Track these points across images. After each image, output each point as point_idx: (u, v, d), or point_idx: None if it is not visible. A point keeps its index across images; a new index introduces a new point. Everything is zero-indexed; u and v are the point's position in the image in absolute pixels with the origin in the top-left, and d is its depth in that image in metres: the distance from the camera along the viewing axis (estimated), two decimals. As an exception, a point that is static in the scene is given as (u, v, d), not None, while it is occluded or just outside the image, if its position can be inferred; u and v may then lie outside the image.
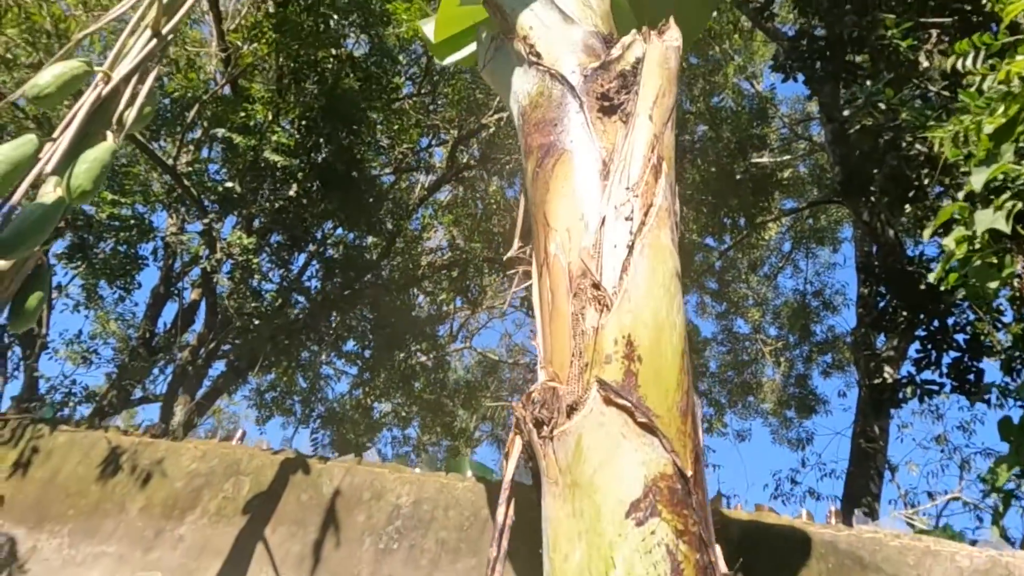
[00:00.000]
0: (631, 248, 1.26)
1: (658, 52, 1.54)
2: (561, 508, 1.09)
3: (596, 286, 1.23)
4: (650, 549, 0.98)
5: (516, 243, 1.73)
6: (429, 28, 3.31)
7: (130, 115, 2.77)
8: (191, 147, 9.92)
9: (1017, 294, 6.12)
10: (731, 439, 17.37)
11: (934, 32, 10.14)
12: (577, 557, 1.02)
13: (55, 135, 2.57)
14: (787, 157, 15.15)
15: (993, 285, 5.24)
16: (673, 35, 1.59)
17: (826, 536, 3.28)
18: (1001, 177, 4.97)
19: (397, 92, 10.75)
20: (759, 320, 17.62)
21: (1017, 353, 6.54)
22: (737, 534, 3.14)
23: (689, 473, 1.08)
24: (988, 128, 4.84)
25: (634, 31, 1.73)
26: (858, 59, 10.46)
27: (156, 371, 11.37)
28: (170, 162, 8.65)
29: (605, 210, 1.34)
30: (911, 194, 9.67)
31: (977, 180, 4.87)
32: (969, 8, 9.16)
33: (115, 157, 2.85)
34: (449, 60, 3.46)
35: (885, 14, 9.49)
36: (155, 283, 11.70)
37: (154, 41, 2.88)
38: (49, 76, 2.73)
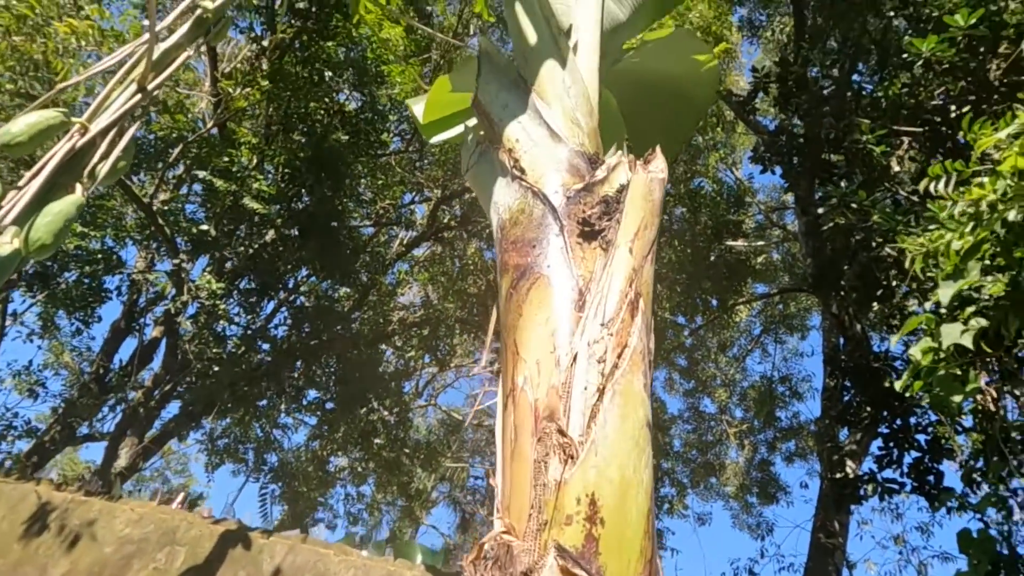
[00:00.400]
0: (601, 393, 1.21)
1: (642, 183, 1.52)
2: None
3: (562, 432, 1.17)
4: None
5: (484, 359, 1.67)
6: (419, 108, 3.33)
7: (103, 169, 2.70)
8: (169, 185, 9.83)
9: (979, 407, 6.19)
10: (691, 522, 17.14)
11: (906, 140, 10.58)
12: None
13: (21, 183, 2.48)
14: (761, 243, 15.50)
15: (957, 398, 5.28)
16: (658, 165, 1.58)
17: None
18: (967, 289, 5.08)
19: (384, 147, 10.84)
20: (726, 401, 17.67)
21: (977, 464, 6.57)
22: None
23: (647, 661, 1.00)
24: (956, 245, 4.97)
25: (619, 152, 1.72)
26: (834, 158, 10.84)
27: (105, 409, 10.94)
28: (146, 199, 8.53)
29: (578, 346, 1.29)
30: (879, 293, 9.89)
31: (944, 294, 4.96)
32: (939, 120, 9.59)
33: (80, 212, 2.75)
34: (436, 139, 3.47)
35: (861, 119, 9.89)
36: (116, 317, 11.38)
37: (138, 96, 2.83)
38: (23, 125, 2.65)
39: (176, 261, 8.25)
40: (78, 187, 2.69)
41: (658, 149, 1.64)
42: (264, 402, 12.94)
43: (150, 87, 2.90)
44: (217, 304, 7.90)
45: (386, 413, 14.94)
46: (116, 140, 2.86)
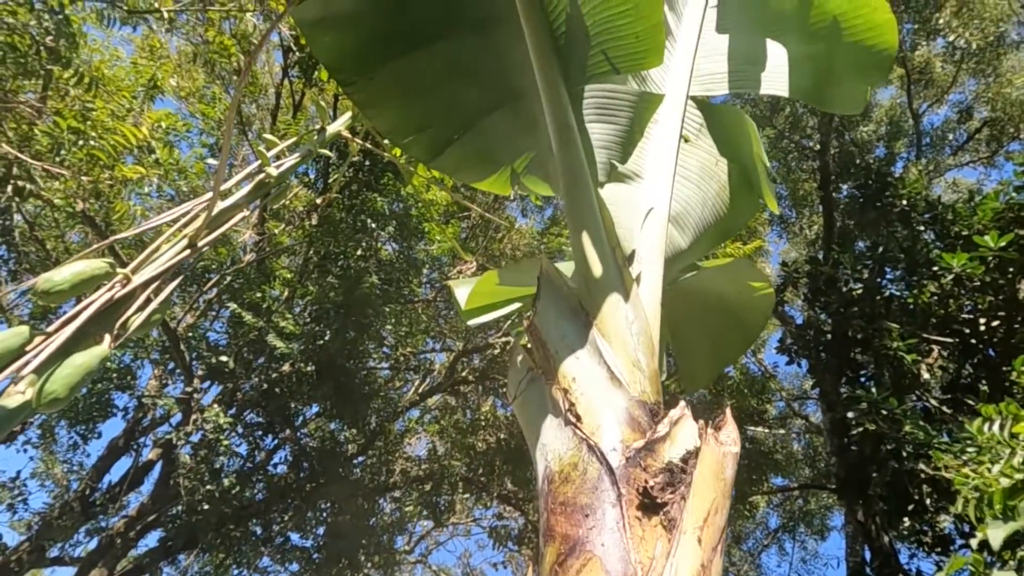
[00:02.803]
0: None
1: (715, 459, 1.38)
2: None
3: None
4: None
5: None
6: (461, 293, 3.30)
7: (136, 321, 2.62)
8: (199, 310, 9.93)
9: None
10: None
11: (936, 348, 10.45)
12: None
13: (50, 329, 2.40)
14: (781, 432, 15.03)
15: (1012, 660, 4.73)
16: (731, 435, 1.45)
17: None
18: (1020, 530, 4.71)
19: (413, 294, 10.97)
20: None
21: None
22: None
23: None
24: (1004, 482, 4.67)
25: (682, 404, 1.59)
26: (861, 358, 10.70)
27: (82, 532, 10.35)
28: (173, 322, 8.58)
29: None
30: (910, 507, 9.33)
31: (995, 536, 4.59)
32: (969, 332, 9.51)
33: (103, 365, 2.65)
34: (474, 322, 3.41)
35: (890, 323, 9.85)
36: (116, 435, 11.08)
37: (187, 252, 2.82)
38: (68, 274, 2.61)
39: (189, 389, 8.12)
40: (106, 338, 2.60)
41: (728, 413, 1.52)
42: (247, 545, 12.20)
43: (200, 243, 2.90)
44: (220, 438, 7.65)
45: (373, 570, 13.97)
46: (156, 292, 2.81)
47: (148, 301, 2.70)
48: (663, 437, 1.47)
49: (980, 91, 14.47)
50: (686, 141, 2.50)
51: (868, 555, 11.23)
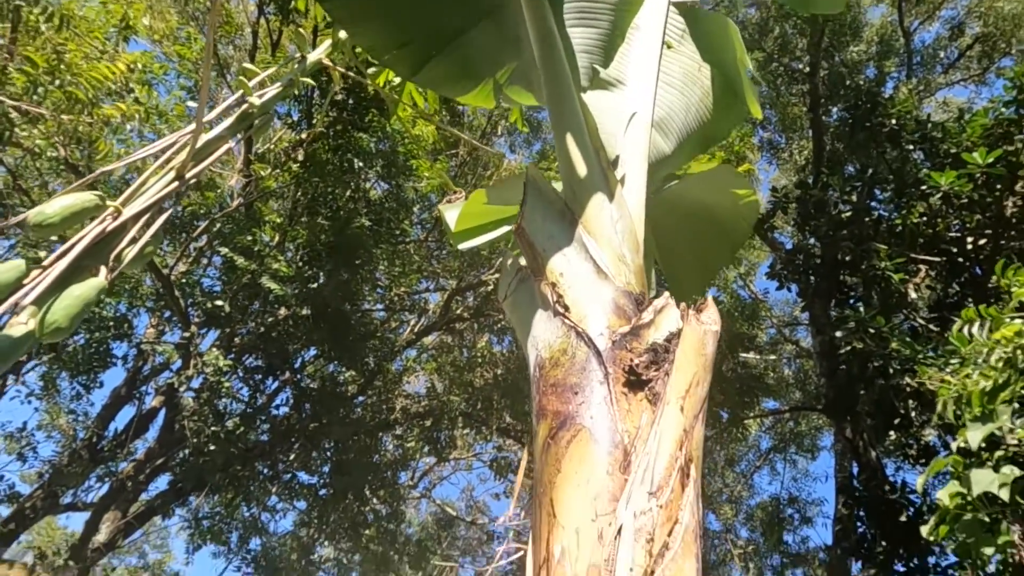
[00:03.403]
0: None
1: (696, 336, 1.45)
2: None
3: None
4: None
5: (511, 509, 1.56)
6: (451, 216, 3.33)
7: (130, 253, 2.65)
8: (191, 257, 9.92)
9: (1010, 561, 5.85)
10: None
11: (923, 268, 10.59)
12: None
13: (46, 262, 2.43)
14: (772, 358, 15.33)
15: (988, 551, 4.99)
16: (712, 316, 1.52)
17: None
18: (997, 431, 4.90)
19: (404, 235, 10.97)
20: (731, 519, 16.98)
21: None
22: None
23: None
24: (983, 383, 4.83)
25: (666, 293, 1.66)
26: (850, 280, 10.85)
27: (92, 478, 10.60)
28: (166, 270, 8.59)
29: (623, 517, 1.18)
30: (896, 421, 9.63)
31: (973, 437, 4.79)
32: (956, 251, 9.64)
33: (100, 296, 2.69)
34: (464, 246, 3.44)
35: (879, 244, 9.94)
36: (118, 384, 11.23)
37: (175, 184, 2.83)
38: (57, 207, 2.63)
39: (187, 334, 8.20)
40: (102, 270, 2.64)
41: (710, 299, 1.58)
42: (255, 484, 12.53)
43: (188, 175, 2.91)
44: (221, 381, 7.77)
45: (379, 504, 14.42)
46: (147, 225, 2.84)
47: (140, 234, 2.73)
48: (648, 323, 1.53)
49: (972, 6, 14.21)
50: (668, 47, 2.49)
51: (856, 470, 11.63)
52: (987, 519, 4.97)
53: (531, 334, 1.65)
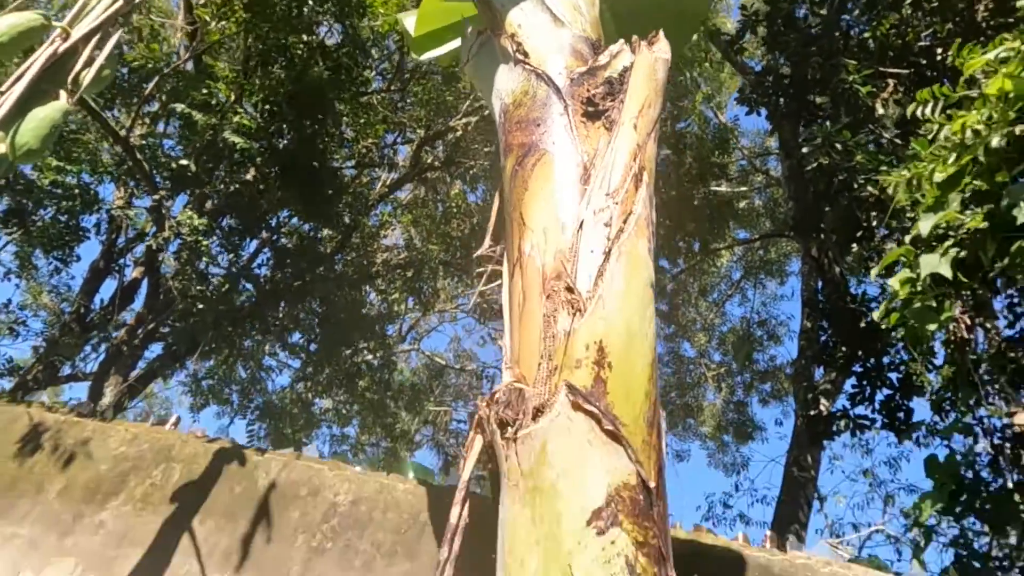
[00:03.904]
0: (608, 254, 1.25)
1: (647, 63, 1.53)
2: (521, 513, 1.06)
3: (570, 289, 1.21)
4: (609, 559, 0.96)
5: (487, 241, 1.70)
6: (410, 22, 3.26)
7: (87, 76, 2.63)
8: (146, 120, 9.58)
9: (951, 338, 6.38)
10: (671, 459, 17.64)
11: (891, 81, 10.55)
12: (533, 565, 0.99)
13: (3, 87, 2.42)
14: (744, 188, 15.58)
15: (932, 327, 5.42)
16: (662, 47, 1.59)
17: (761, 560, 3.34)
18: (946, 224, 5.18)
19: (366, 86, 10.61)
20: (705, 345, 17.98)
21: (946, 395, 6.80)
22: (675, 552, 3.15)
23: (652, 484, 1.07)
24: (938, 176, 5.05)
25: (622, 40, 1.72)
26: (819, 100, 10.81)
27: (88, 348, 10.88)
28: (123, 133, 8.32)
29: (584, 214, 1.32)
30: (859, 234, 10.02)
31: (924, 225, 5.06)
32: (924, 62, 9.59)
33: (66, 119, 2.71)
34: (427, 56, 3.41)
35: (848, 59, 9.83)
36: (95, 257, 11.22)
37: (120, 2, 2.75)
38: (3, 26, 2.57)
39: (156, 197, 8.11)
40: (62, 94, 2.64)
41: (661, 33, 1.64)
42: (248, 343, 12.95)
43: (133, -8, 2.81)
44: (200, 240, 7.81)
45: (370, 356, 15.04)
46: (99, 47, 2.80)
47: (94, 56, 2.69)
48: (604, 65, 1.61)
49: None
50: None
51: (820, 286, 12.26)
52: (934, 303, 5.38)
53: (495, 88, 1.72)
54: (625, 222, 1.29)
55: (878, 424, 10.26)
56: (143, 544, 3.52)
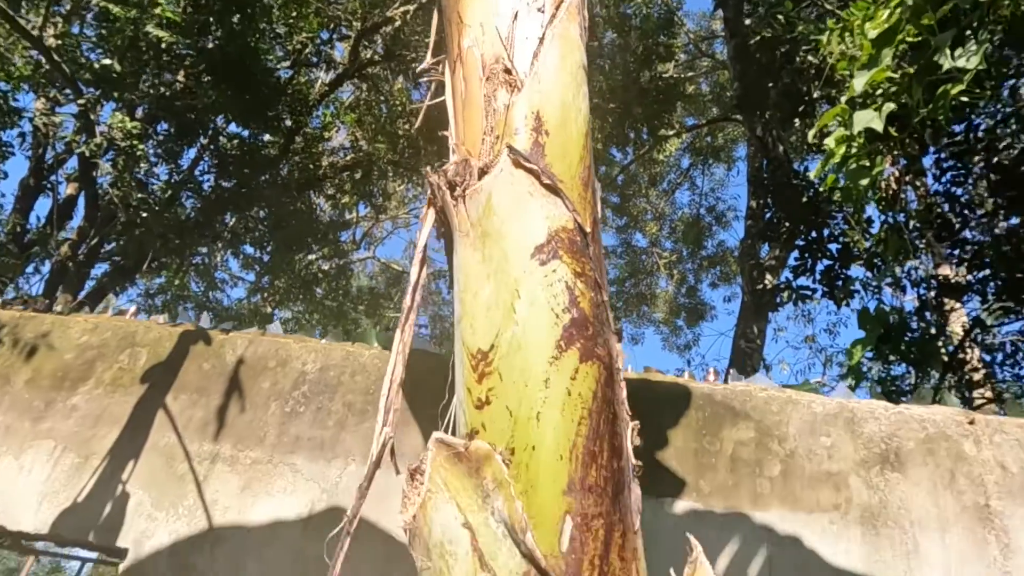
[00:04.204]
0: (542, 39, 1.32)
1: None
2: (472, 255, 1.17)
3: (508, 71, 1.29)
4: (551, 284, 1.09)
5: (428, 57, 1.74)
6: None
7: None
8: (59, 20, 8.93)
9: (883, 196, 6.71)
10: (626, 343, 18.37)
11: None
12: (486, 293, 1.11)
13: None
14: (691, 73, 15.51)
15: (864, 182, 5.68)
16: None
17: (704, 390, 3.64)
18: (878, 83, 5.35)
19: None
20: (656, 234, 18.35)
21: (878, 251, 7.22)
22: (627, 389, 3.41)
23: (588, 230, 1.19)
24: (872, 33, 5.16)
25: None
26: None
27: (31, 269, 10.56)
28: (36, 33, 7.77)
29: (518, 5, 1.37)
30: (801, 109, 10.20)
31: (858, 83, 5.21)
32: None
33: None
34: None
35: (789, -72, 9.67)
36: (24, 175, 10.70)
37: None
38: None
39: (81, 102, 7.70)
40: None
41: None
42: (199, 257, 12.73)
43: None
44: (135, 144, 7.52)
45: (325, 264, 14.98)
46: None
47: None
48: None
49: None
50: None
51: (765, 164, 12.54)
52: (867, 162, 5.62)
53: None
54: (558, 8, 1.35)
55: (819, 294, 10.83)
56: (119, 422, 3.63)
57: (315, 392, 3.71)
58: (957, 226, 6.80)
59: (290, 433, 3.58)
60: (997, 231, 6.68)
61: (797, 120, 10.40)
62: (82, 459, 3.57)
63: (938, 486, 3.25)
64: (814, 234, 11.17)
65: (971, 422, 3.42)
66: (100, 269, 11.45)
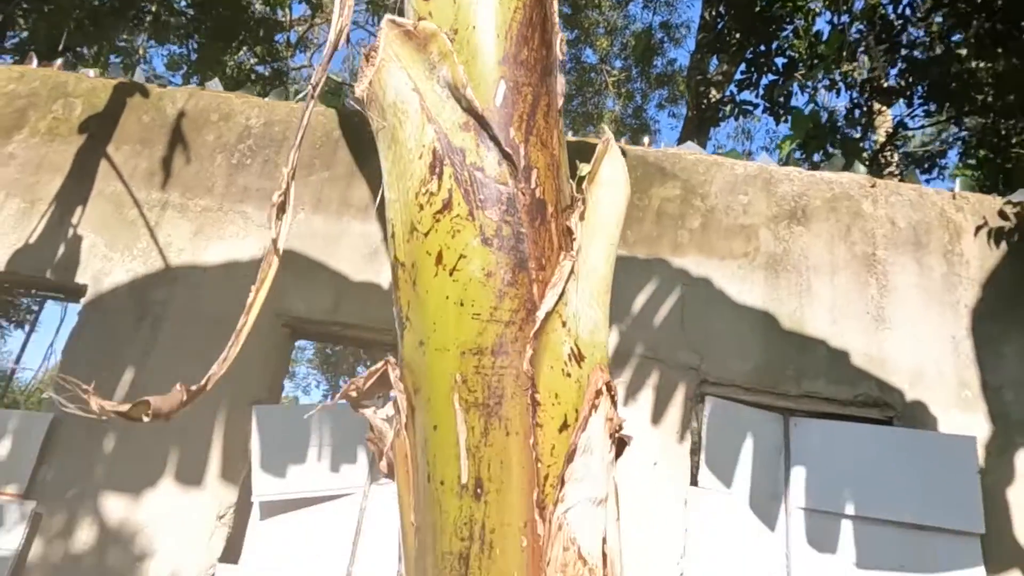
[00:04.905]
0: None
1: None
2: None
3: None
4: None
5: None
6: None
7: None
8: None
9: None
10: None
11: None
12: None
13: None
14: None
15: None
16: None
17: (638, 151, 3.85)
18: None
19: None
20: (607, 49, 17.85)
21: (819, 50, 7.32)
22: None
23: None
24: None
25: None
26: None
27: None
28: None
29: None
30: None
31: None
32: None
33: None
34: None
35: None
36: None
37: None
38: None
39: None
40: None
41: None
42: (119, 52, 11.79)
43: None
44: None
45: (259, 64, 14.12)
46: None
47: None
48: None
49: None
50: None
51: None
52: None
53: None
54: None
55: (760, 109, 11.00)
56: (61, 170, 3.61)
57: (260, 146, 3.74)
58: (898, 28, 6.91)
59: (238, 184, 3.66)
60: (933, 30, 6.83)
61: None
62: (28, 204, 3.59)
63: (835, 238, 3.65)
64: (763, 48, 11.13)
65: (873, 185, 3.78)
66: (5, 61, 10.54)
